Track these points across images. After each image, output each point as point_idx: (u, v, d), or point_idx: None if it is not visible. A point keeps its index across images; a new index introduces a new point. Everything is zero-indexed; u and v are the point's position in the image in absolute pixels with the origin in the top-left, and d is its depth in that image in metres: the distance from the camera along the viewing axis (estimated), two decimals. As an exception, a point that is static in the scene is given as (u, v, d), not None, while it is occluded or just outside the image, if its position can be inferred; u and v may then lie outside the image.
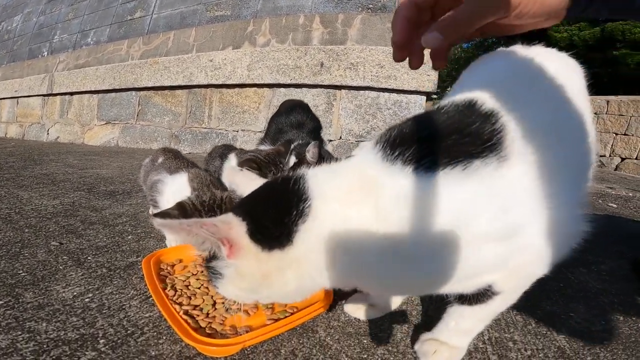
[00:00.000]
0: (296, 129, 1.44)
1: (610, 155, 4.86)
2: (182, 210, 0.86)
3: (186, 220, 0.43)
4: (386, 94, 2.73)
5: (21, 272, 0.79)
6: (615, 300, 0.83)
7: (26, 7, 5.81)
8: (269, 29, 3.10)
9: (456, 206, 0.42)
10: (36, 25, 5.43)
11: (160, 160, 1.17)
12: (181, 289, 0.73)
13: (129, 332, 0.62)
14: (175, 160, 1.15)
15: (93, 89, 3.91)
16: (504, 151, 0.43)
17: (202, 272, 0.80)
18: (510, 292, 0.50)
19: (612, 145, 4.86)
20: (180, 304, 0.67)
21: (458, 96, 0.52)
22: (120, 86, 3.68)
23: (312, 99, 2.90)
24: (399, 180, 0.44)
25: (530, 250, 0.45)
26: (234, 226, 0.45)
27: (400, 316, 0.72)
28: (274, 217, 0.46)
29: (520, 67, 0.57)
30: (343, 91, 2.82)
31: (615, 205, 2.34)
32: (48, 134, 4.44)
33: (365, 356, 0.59)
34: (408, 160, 0.44)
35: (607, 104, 4.95)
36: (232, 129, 3.22)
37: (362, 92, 2.77)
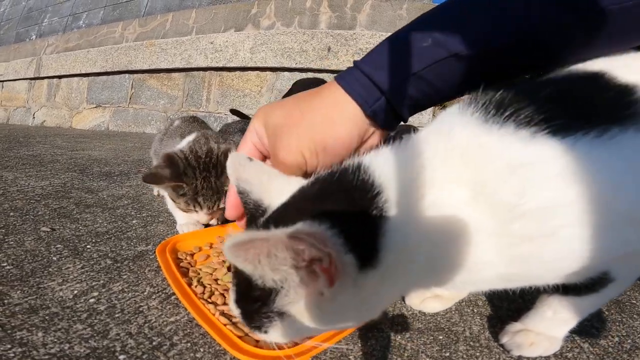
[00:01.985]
0: None
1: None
2: (172, 165, 0.74)
3: (263, 235, 0.26)
4: (394, 81, 2.66)
5: (5, 264, 0.64)
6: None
7: (15, -10, 5.60)
8: (274, 11, 3.01)
9: (596, 179, 0.32)
10: (25, 9, 5.22)
11: (175, 124, 1.09)
12: (210, 284, 0.59)
13: (154, 343, 0.47)
14: (191, 124, 1.05)
15: (83, 72, 3.73)
16: None
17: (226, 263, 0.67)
18: (625, 278, 0.43)
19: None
20: (215, 304, 0.54)
21: (575, 67, 0.42)
22: (113, 69, 3.52)
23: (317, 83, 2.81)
24: (512, 146, 0.33)
25: None
26: (328, 238, 0.29)
27: (467, 307, 0.62)
28: (356, 220, 0.33)
29: None
30: (349, 77, 2.74)
31: None
32: (34, 117, 4.21)
33: (448, 354, 0.49)
34: (525, 122, 0.33)
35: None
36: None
37: (369, 78, 2.70)
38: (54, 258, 0.69)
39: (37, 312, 0.51)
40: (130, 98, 3.51)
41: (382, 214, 0.33)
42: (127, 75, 3.53)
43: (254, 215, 0.40)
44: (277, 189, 0.40)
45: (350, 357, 0.48)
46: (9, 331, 0.46)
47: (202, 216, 0.81)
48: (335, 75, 0.48)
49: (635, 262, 0.41)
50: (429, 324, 0.56)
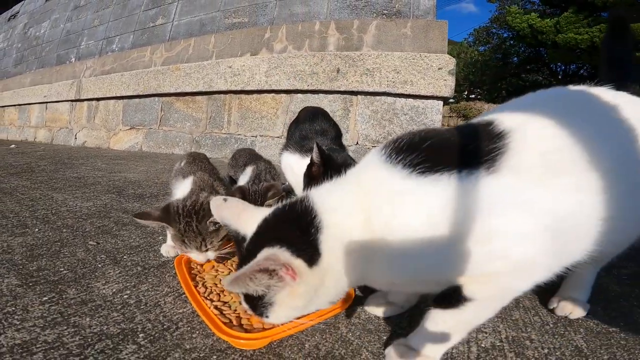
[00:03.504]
0: (320, 136, 1.47)
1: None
2: (165, 210, 0.89)
3: (243, 271, 0.47)
4: (402, 100, 2.74)
5: (62, 269, 0.86)
6: (635, 303, 0.83)
7: (53, 13, 6.11)
8: (285, 35, 3.17)
9: (438, 206, 0.47)
10: (63, 32, 5.70)
11: (182, 164, 1.23)
12: (211, 287, 0.79)
13: (165, 326, 0.67)
14: (192, 164, 1.19)
15: (118, 95, 4.08)
16: (496, 165, 0.48)
17: (231, 270, 0.87)
18: (483, 301, 0.50)
19: None
20: (212, 300, 0.73)
21: (486, 116, 0.57)
22: (144, 92, 3.83)
23: (329, 104, 2.95)
24: (395, 180, 0.50)
25: (506, 260, 0.46)
26: (280, 254, 0.48)
27: (418, 314, 0.74)
28: (300, 236, 0.51)
29: (573, 99, 0.61)
30: (359, 97, 2.85)
31: None
32: (76, 138, 4.65)
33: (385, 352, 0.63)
34: (408, 164, 0.50)
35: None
36: (250, 134, 3.30)
37: (378, 97, 2.80)
38: (99, 265, 0.91)
39: (86, 304, 0.72)
40: (160, 120, 3.81)
41: (318, 230, 0.51)
42: (156, 99, 3.83)
43: (238, 241, 0.58)
44: (247, 220, 0.57)
45: (306, 345, 0.64)
46: (66, 317, 0.66)
47: (199, 255, 0.92)
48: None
49: (493, 287, 0.49)
50: (379, 326, 0.70)
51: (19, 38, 6.67)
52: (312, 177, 1.17)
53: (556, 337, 0.69)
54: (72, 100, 4.75)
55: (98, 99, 4.42)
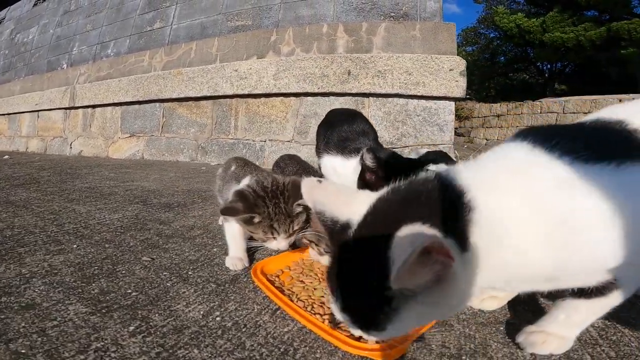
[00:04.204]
0: (362, 137, 1.45)
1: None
2: (243, 199, 0.83)
3: (401, 265, 0.36)
4: (415, 101, 2.74)
5: (130, 291, 0.80)
6: None
7: (42, 18, 5.92)
8: (292, 38, 3.13)
9: (615, 195, 0.43)
10: (53, 37, 5.53)
11: (232, 169, 1.18)
12: (306, 299, 0.74)
13: (281, 349, 0.60)
14: (244, 167, 1.15)
15: (116, 102, 3.97)
16: None
17: (319, 281, 0.83)
18: (629, 287, 0.50)
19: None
20: (320, 314, 0.69)
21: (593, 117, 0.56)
22: (144, 98, 3.73)
23: (340, 107, 2.92)
24: (555, 168, 0.46)
25: None
26: (439, 237, 0.38)
27: (518, 305, 0.76)
28: (446, 217, 0.43)
29: None
30: (371, 98, 2.84)
31: None
32: (71, 147, 4.50)
33: (510, 341, 0.64)
34: (565, 152, 0.46)
35: (620, 102, 4.93)
36: (259, 139, 3.25)
37: (390, 99, 2.79)
38: (168, 284, 0.83)
39: (182, 331, 0.64)
40: (162, 127, 3.72)
41: (469, 210, 0.43)
42: (157, 104, 3.74)
43: (332, 230, 0.49)
44: (349, 204, 0.49)
45: (433, 345, 0.62)
46: (171, 351, 0.58)
47: (281, 242, 0.89)
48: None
49: (637, 273, 0.48)
50: (488, 319, 0.71)
51: (5, 44, 6.44)
52: (368, 184, 1.15)
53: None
54: (65, 108, 4.60)
55: (94, 106, 4.29)
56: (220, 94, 3.31)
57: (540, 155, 0.47)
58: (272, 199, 0.85)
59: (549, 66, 11.77)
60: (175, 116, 3.66)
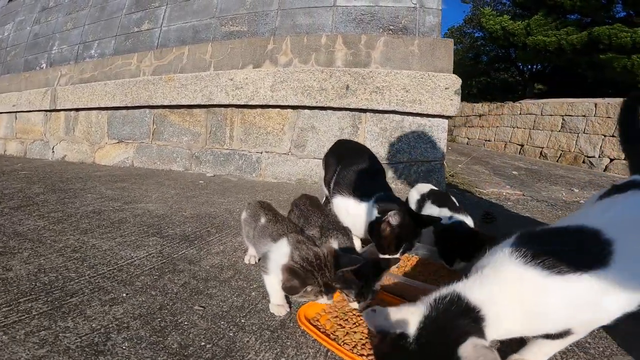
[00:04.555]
0: (373, 179, 1.49)
1: (599, 157, 5.07)
2: (297, 277, 0.93)
3: None
4: (410, 118, 2.79)
5: (204, 343, 0.86)
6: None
7: (17, 15, 5.61)
8: (290, 48, 3.11)
9: (574, 294, 0.67)
10: (31, 35, 5.26)
11: (262, 221, 1.22)
12: (350, 342, 0.88)
13: None
14: (276, 222, 1.20)
15: (102, 106, 3.83)
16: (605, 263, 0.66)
17: (357, 324, 0.97)
18: (582, 333, 0.76)
19: (601, 147, 5.07)
20: (366, 355, 0.82)
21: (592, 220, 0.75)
22: (133, 103, 3.63)
23: (338, 121, 2.95)
24: (537, 281, 0.67)
25: (605, 315, 0.69)
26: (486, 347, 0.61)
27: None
28: (476, 328, 0.65)
29: None
30: (368, 114, 2.87)
31: None
32: (53, 152, 4.33)
33: None
34: (547, 267, 0.67)
35: (595, 107, 5.15)
36: (255, 150, 3.23)
37: (387, 115, 2.83)
38: (230, 334, 0.92)
39: None
40: (152, 134, 3.63)
41: (483, 321, 0.65)
42: (147, 110, 3.64)
43: (389, 337, 0.66)
44: (399, 319, 0.66)
45: None
46: None
47: (327, 300, 1.02)
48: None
49: (591, 327, 0.75)
50: None
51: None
52: (380, 234, 1.22)
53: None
54: (46, 110, 4.41)
55: (77, 109, 4.13)
56: (215, 103, 3.26)
57: (528, 272, 0.68)
58: (319, 271, 0.96)
59: (529, 67, 12.13)
60: (166, 123, 3.58)
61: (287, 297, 1.08)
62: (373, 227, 1.29)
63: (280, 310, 1.04)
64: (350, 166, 1.53)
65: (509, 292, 0.68)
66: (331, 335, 0.92)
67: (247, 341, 0.88)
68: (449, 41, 2.83)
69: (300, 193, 2.66)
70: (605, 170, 4.92)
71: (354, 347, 0.86)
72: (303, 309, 0.99)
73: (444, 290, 0.70)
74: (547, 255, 0.68)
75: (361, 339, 0.92)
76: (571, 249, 0.70)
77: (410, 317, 0.66)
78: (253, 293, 1.15)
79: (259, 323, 0.98)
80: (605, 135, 4.97)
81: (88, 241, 1.50)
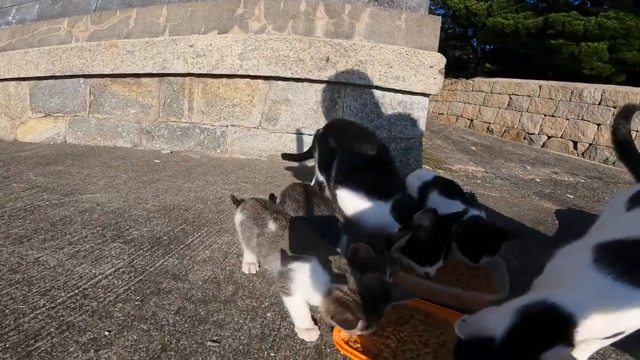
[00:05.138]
0: (382, 167, 1.33)
1: (539, 134, 5.57)
2: (350, 310, 0.80)
3: None
4: (392, 94, 2.69)
5: None
6: None
7: None
8: (264, 13, 2.75)
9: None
10: None
11: (272, 228, 1.02)
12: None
13: None
14: (293, 232, 1.00)
15: (22, 76, 3.11)
16: None
17: (401, 341, 0.90)
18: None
19: (541, 125, 5.55)
20: None
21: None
22: (63, 72, 2.99)
23: (315, 94, 2.74)
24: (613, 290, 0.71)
25: None
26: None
27: None
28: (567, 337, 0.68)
29: None
30: (348, 89, 2.70)
31: (572, 196, 2.73)
32: (-44, 126, 3.46)
33: None
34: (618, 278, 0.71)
35: (540, 88, 5.59)
36: (219, 123, 2.89)
37: (368, 90, 2.69)
38: None
39: None
40: (90, 106, 3.06)
41: (575, 328, 0.68)
42: (82, 80, 3.03)
43: (476, 341, 0.67)
44: (484, 326, 0.68)
45: None
46: None
47: (367, 332, 0.90)
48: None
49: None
50: None
51: None
52: (417, 246, 1.10)
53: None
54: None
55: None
56: (170, 72, 2.82)
57: (618, 289, 0.70)
58: (370, 306, 0.82)
59: (482, 47, 12.69)
60: (107, 94, 3.03)
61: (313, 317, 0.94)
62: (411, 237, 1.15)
63: (311, 335, 0.91)
64: (357, 154, 1.35)
65: (600, 306, 0.70)
66: (378, 357, 0.83)
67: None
68: (436, 18, 2.73)
69: (274, 171, 2.42)
70: (543, 146, 5.41)
71: None
72: (337, 333, 0.88)
73: (532, 297, 0.73)
74: (633, 271, 0.71)
75: (412, 357, 0.85)
76: None
77: (499, 321, 0.68)
78: (268, 314, 0.97)
79: (292, 355, 0.82)
80: (545, 115, 5.43)
81: (27, 254, 1.16)
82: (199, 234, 1.44)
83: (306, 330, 0.91)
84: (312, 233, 1.02)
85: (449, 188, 1.53)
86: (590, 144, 4.86)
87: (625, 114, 1.22)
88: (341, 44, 2.57)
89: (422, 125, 2.76)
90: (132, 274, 1.10)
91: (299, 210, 1.20)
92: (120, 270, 1.12)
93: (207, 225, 1.51)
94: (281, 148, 2.81)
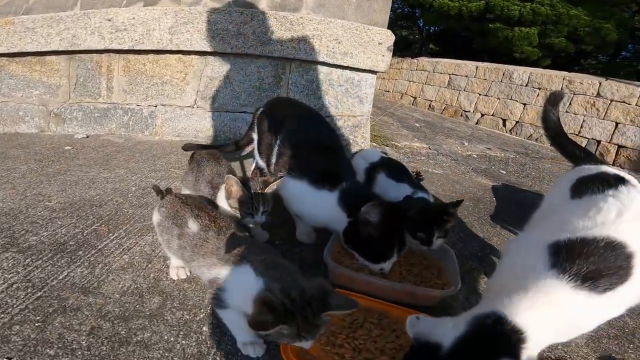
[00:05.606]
0: (336, 159, 1.21)
1: (473, 112, 5.91)
2: (272, 311, 0.71)
3: None
4: (339, 71, 2.56)
5: None
6: None
7: None
8: (198, -19, 2.40)
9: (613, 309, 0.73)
10: None
11: (193, 228, 0.87)
12: None
13: None
14: (220, 233, 0.85)
15: None
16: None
17: (356, 350, 0.85)
18: None
19: (475, 104, 5.89)
20: None
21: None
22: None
23: (257, 70, 2.51)
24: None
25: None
26: None
27: None
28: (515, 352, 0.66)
29: None
30: (293, 64, 2.51)
31: (504, 172, 2.93)
32: None
33: None
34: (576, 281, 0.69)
35: (476, 69, 5.89)
36: (147, 103, 2.54)
37: (314, 66, 2.53)
38: None
39: None
40: (-21, 87, 2.47)
41: (523, 342, 0.65)
42: (-36, 56, 2.42)
43: (424, 346, 0.66)
44: (437, 333, 0.66)
45: None
46: None
47: (306, 344, 0.80)
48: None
49: None
50: None
51: None
52: (366, 242, 1.03)
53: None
54: None
55: None
56: (83, 49, 2.37)
57: (577, 296, 0.68)
58: (300, 312, 0.72)
59: (427, 28, 13.04)
60: (4, 75, 2.47)
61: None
62: (349, 236, 1.06)
63: (256, 350, 0.81)
64: (301, 136, 1.22)
65: (558, 315, 0.68)
66: None
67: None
68: (388, -6, 2.61)
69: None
70: (477, 123, 5.75)
71: None
72: (286, 346, 0.79)
73: (485, 307, 0.71)
74: (592, 277, 0.68)
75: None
76: (607, 265, 0.69)
77: (450, 331, 0.66)
78: (205, 328, 0.84)
79: None
80: (480, 94, 5.75)
81: None
82: (116, 235, 1.21)
83: (250, 345, 0.81)
84: (240, 230, 0.89)
85: (396, 170, 1.49)
86: (517, 122, 5.24)
87: (553, 101, 1.27)
88: (287, 17, 2.35)
89: (369, 102, 2.70)
90: (30, 290, 0.89)
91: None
92: (14, 286, 0.90)
93: (127, 224, 1.28)
94: (221, 127, 2.57)
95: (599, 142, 4.20)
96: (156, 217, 0.96)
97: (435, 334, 0.66)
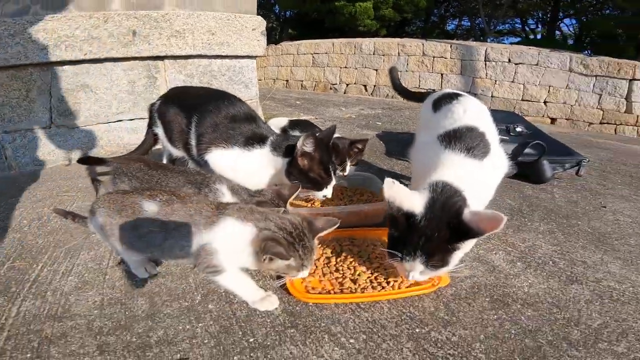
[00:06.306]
0: (253, 122, 1.27)
1: (339, 83, 6.54)
2: (281, 245, 0.78)
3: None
4: (219, 61, 2.51)
5: None
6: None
7: None
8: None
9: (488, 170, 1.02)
10: None
11: (153, 208, 0.82)
12: (365, 283, 0.95)
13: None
14: (184, 202, 0.83)
15: None
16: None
17: (349, 268, 1.01)
18: None
19: (339, 76, 6.51)
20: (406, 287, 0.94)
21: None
22: None
23: (125, 74, 2.24)
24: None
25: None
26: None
27: None
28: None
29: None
30: (167, 62, 2.34)
31: (380, 123, 3.47)
32: None
33: None
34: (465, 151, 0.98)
35: (333, 46, 6.46)
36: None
37: (191, 60, 2.41)
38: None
39: None
40: None
41: (467, 204, 0.85)
42: None
43: (398, 214, 0.82)
44: (409, 199, 0.83)
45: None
46: None
47: (305, 272, 0.88)
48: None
49: None
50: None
51: None
52: (303, 171, 1.17)
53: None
54: None
55: None
56: None
57: (471, 161, 0.98)
58: (300, 243, 0.80)
59: (284, 13, 13.30)
60: None
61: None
62: (292, 173, 1.19)
63: (272, 301, 0.85)
64: (217, 113, 1.26)
65: (468, 174, 0.91)
66: (343, 290, 0.91)
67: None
68: (252, -19, 2.60)
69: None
70: (345, 93, 6.38)
71: (366, 287, 0.91)
72: (293, 286, 0.89)
73: (433, 179, 0.88)
74: (471, 148, 0.97)
75: (369, 277, 0.96)
76: (474, 141, 0.99)
77: (417, 200, 0.83)
78: (210, 306, 0.85)
79: (266, 331, 0.77)
80: (341, 67, 6.34)
81: None
82: (41, 265, 1.04)
83: (261, 300, 0.84)
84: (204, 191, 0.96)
85: (307, 127, 1.75)
86: (374, 86, 6.03)
87: (393, 72, 2.03)
88: (150, 15, 2.14)
89: (255, 85, 2.76)
90: None
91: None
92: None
93: (45, 253, 1.10)
94: (94, 142, 2.24)
95: (434, 90, 5.28)
96: (96, 222, 0.85)
97: (408, 204, 0.82)
